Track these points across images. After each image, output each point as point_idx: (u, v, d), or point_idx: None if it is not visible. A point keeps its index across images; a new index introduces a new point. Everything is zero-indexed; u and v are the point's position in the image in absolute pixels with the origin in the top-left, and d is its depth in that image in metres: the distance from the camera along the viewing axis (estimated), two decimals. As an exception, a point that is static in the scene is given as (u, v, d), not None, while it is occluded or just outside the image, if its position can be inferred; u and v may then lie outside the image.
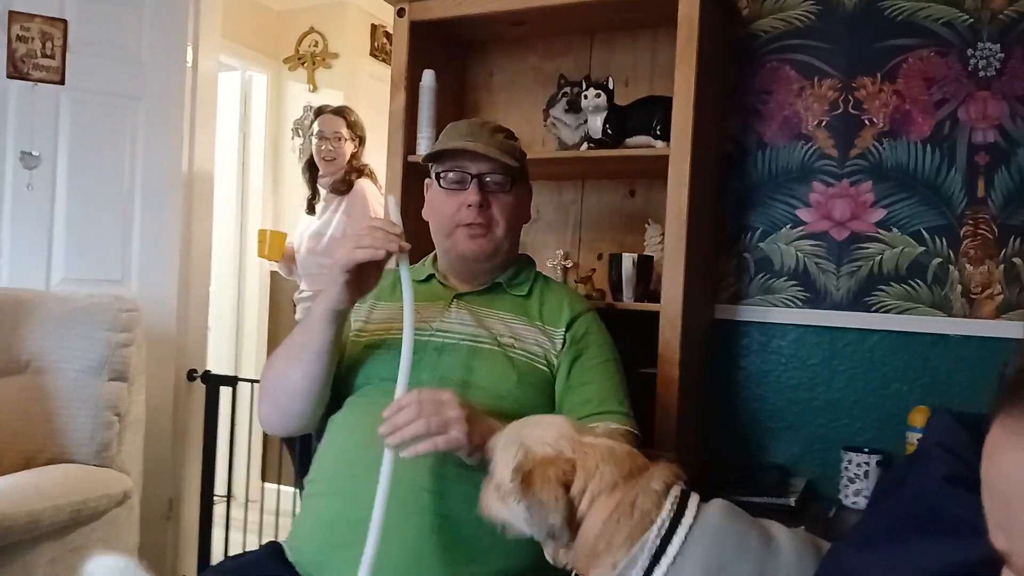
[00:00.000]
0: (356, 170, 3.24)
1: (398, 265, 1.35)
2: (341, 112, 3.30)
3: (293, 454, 3.03)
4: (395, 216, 1.41)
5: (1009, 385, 0.47)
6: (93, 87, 2.80)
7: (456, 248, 1.53)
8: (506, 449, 1.12)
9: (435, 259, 1.65)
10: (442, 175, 1.55)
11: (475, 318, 1.50)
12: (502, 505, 1.11)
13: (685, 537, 0.97)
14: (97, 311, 2.37)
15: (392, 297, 1.55)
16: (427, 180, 1.63)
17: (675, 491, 1.03)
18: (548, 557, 1.11)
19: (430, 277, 1.60)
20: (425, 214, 1.63)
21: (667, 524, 0.98)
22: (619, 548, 0.98)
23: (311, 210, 3.36)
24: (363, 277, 1.35)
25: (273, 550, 1.40)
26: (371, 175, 3.27)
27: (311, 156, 3.34)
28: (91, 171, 2.80)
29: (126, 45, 2.85)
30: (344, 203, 3.20)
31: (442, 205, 1.54)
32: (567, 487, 1.04)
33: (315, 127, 3.29)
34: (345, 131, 3.24)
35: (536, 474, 1.05)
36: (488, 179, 1.52)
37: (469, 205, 1.50)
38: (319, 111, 3.33)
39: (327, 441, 1.45)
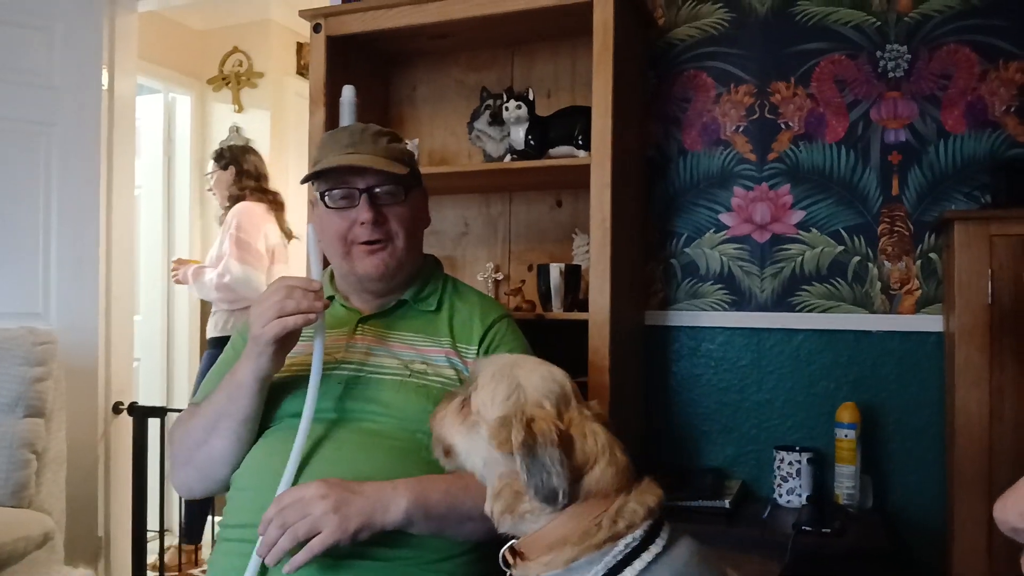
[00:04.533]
0: (232, 197, 3.42)
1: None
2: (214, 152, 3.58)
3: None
4: (313, 250, 1.35)
5: None
6: (3, 114, 2.70)
7: (356, 270, 1.41)
8: (496, 382, 1.03)
9: (332, 276, 1.52)
10: (327, 194, 1.39)
11: (383, 345, 1.41)
12: (464, 432, 1.04)
13: (647, 565, 0.94)
14: (9, 345, 2.27)
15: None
16: (310, 199, 1.51)
17: (651, 516, 0.99)
18: (490, 511, 1.03)
19: (330, 299, 1.44)
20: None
21: (633, 547, 0.95)
22: (584, 550, 0.94)
23: None
24: (286, 339, 1.27)
25: None
26: (253, 193, 3.41)
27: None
28: (3, 200, 2.69)
29: (36, 70, 2.76)
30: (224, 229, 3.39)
31: (332, 226, 1.39)
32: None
33: None
34: (212, 166, 3.50)
35: (539, 429, 0.95)
36: (378, 191, 1.38)
37: (362, 223, 1.36)
38: None
39: (235, 486, 1.37)
